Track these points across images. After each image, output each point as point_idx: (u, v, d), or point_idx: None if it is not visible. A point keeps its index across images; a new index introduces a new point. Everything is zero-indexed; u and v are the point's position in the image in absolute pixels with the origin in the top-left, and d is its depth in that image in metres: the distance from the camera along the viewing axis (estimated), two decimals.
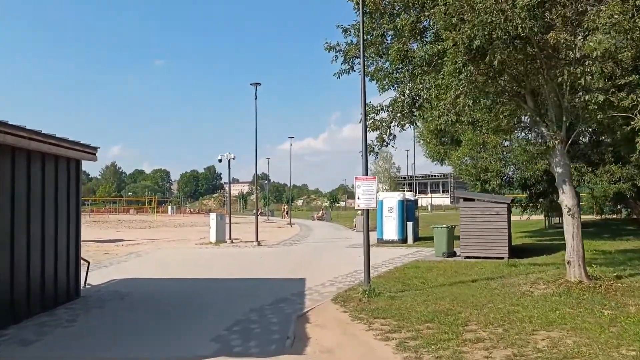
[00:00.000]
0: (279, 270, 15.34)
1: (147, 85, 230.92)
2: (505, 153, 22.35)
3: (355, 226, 36.45)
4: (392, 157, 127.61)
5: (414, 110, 11.61)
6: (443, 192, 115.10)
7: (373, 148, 11.98)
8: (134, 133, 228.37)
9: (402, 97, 11.72)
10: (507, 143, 21.32)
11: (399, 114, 11.46)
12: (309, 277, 13.63)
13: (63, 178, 10.29)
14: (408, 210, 25.43)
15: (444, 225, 18.46)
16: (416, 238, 24.74)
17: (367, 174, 10.79)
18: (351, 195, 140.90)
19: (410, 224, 24.55)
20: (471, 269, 14.37)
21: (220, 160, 26.38)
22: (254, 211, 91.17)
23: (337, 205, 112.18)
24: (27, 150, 8.96)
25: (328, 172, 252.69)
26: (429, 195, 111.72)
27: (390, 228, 24.68)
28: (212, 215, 26.80)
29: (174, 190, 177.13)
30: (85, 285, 12.10)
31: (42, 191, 9.53)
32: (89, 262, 12.63)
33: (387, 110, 11.71)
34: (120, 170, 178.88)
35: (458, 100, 9.70)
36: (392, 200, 25.00)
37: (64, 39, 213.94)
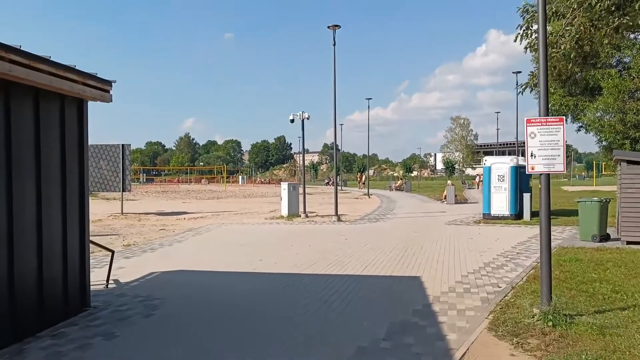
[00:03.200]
0: (375, 259, 11.22)
1: (218, 58, 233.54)
2: None
3: (445, 198, 31.79)
4: (470, 124, 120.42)
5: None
6: None
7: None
8: (207, 105, 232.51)
9: None
10: None
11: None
12: (425, 273, 9.43)
13: (54, 125, 6.52)
14: (522, 179, 20.55)
15: (595, 199, 13.62)
16: (533, 213, 19.87)
17: (546, 113, 6.21)
18: (423, 165, 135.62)
19: (527, 197, 19.68)
20: None
21: (292, 121, 22.44)
22: (325, 181, 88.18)
23: (410, 175, 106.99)
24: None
25: (397, 142, 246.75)
26: None
27: (500, 201, 19.93)
28: (284, 185, 22.98)
29: (245, 160, 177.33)
30: (107, 285, 8.49)
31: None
32: (112, 252, 9.00)
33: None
34: (194, 142, 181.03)
35: None
36: (502, 166, 20.15)
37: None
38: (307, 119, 22.56)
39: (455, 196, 31.67)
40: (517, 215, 19.66)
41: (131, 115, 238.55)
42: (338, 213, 20.93)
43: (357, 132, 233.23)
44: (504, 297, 7.52)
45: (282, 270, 10.00)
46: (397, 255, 11.57)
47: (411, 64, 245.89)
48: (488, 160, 20.55)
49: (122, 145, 24.91)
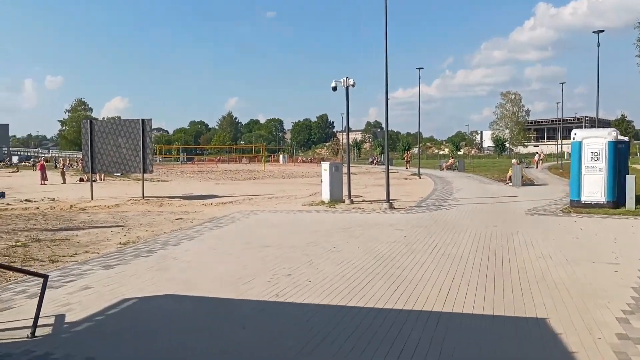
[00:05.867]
0: (458, 274, 7.68)
1: (260, 37, 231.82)
2: None
3: (509, 179, 27.69)
4: (521, 99, 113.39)
5: None
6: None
7: None
8: (249, 85, 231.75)
9: None
10: None
11: None
12: (551, 312, 5.83)
13: None
14: (622, 158, 16.48)
15: None
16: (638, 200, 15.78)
17: None
18: (470, 143, 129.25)
19: (630, 179, 15.60)
20: None
21: (334, 88, 18.87)
22: (370, 159, 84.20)
23: (458, 153, 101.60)
24: None
25: (441, 119, 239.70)
26: (559, 142, 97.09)
27: (593, 184, 15.92)
28: (325, 165, 19.52)
29: (287, 139, 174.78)
30: (34, 331, 5.26)
31: None
32: (45, 277, 5.73)
33: None
34: (237, 121, 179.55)
35: None
36: (597, 141, 16.06)
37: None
38: (353, 86, 18.93)
39: (522, 177, 27.55)
40: (615, 202, 15.64)
41: (175, 95, 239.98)
42: (390, 199, 17.36)
43: (400, 109, 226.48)
44: None
45: (319, 296, 6.58)
46: (489, 270, 7.95)
47: (456, 40, 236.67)
48: (578, 134, 16.48)
49: (142, 120, 21.96)
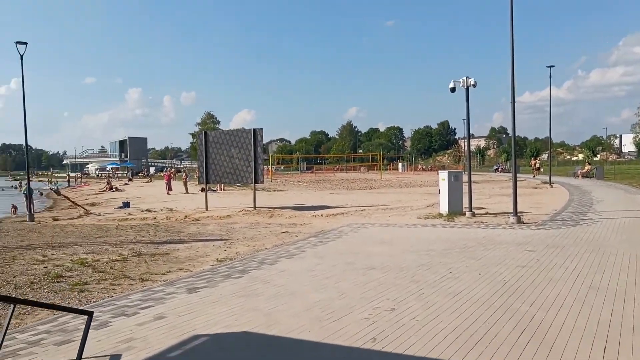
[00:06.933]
0: (622, 323, 5.84)
1: (379, 46, 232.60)
2: None
3: None
4: None
5: None
6: None
7: None
8: (369, 94, 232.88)
9: None
10: None
11: None
12: None
13: None
14: None
15: None
16: None
17: None
18: (608, 147, 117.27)
19: None
20: None
21: (452, 90, 17.12)
22: (495, 167, 79.50)
23: (594, 159, 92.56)
24: None
25: (573, 123, 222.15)
26: None
27: None
28: (443, 174, 17.81)
29: (406, 147, 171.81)
30: None
31: None
32: (89, 315, 4.87)
33: None
34: (356, 129, 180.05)
35: None
36: None
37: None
38: (474, 86, 17.04)
39: None
40: None
41: (297, 105, 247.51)
42: (517, 211, 15.24)
43: (527, 113, 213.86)
44: None
45: (427, 344, 5.16)
46: None
47: (588, 39, 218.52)
48: None
49: (254, 130, 21.73)
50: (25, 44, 21.70)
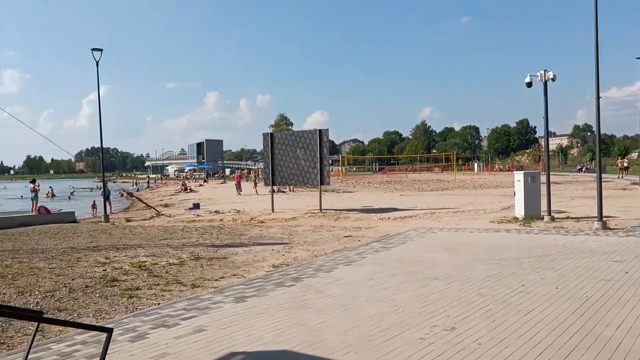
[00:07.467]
0: None
1: (455, 45, 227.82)
2: None
3: None
4: None
5: None
6: None
7: None
8: (444, 93, 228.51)
9: None
10: None
11: None
12: None
13: None
14: None
15: None
16: None
17: None
18: None
19: None
20: None
21: (529, 85, 15.90)
22: (578, 167, 75.09)
23: None
24: None
25: None
26: None
27: None
28: (518, 175, 16.61)
29: (483, 146, 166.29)
30: None
31: None
32: (109, 332, 4.55)
33: None
34: (430, 129, 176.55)
35: None
36: None
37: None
38: (553, 80, 15.75)
39: None
40: None
41: (369, 107, 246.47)
42: (603, 216, 13.89)
43: (613, 109, 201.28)
44: None
45: None
46: None
47: None
48: None
49: (320, 130, 21.38)
50: (101, 50, 22.49)
